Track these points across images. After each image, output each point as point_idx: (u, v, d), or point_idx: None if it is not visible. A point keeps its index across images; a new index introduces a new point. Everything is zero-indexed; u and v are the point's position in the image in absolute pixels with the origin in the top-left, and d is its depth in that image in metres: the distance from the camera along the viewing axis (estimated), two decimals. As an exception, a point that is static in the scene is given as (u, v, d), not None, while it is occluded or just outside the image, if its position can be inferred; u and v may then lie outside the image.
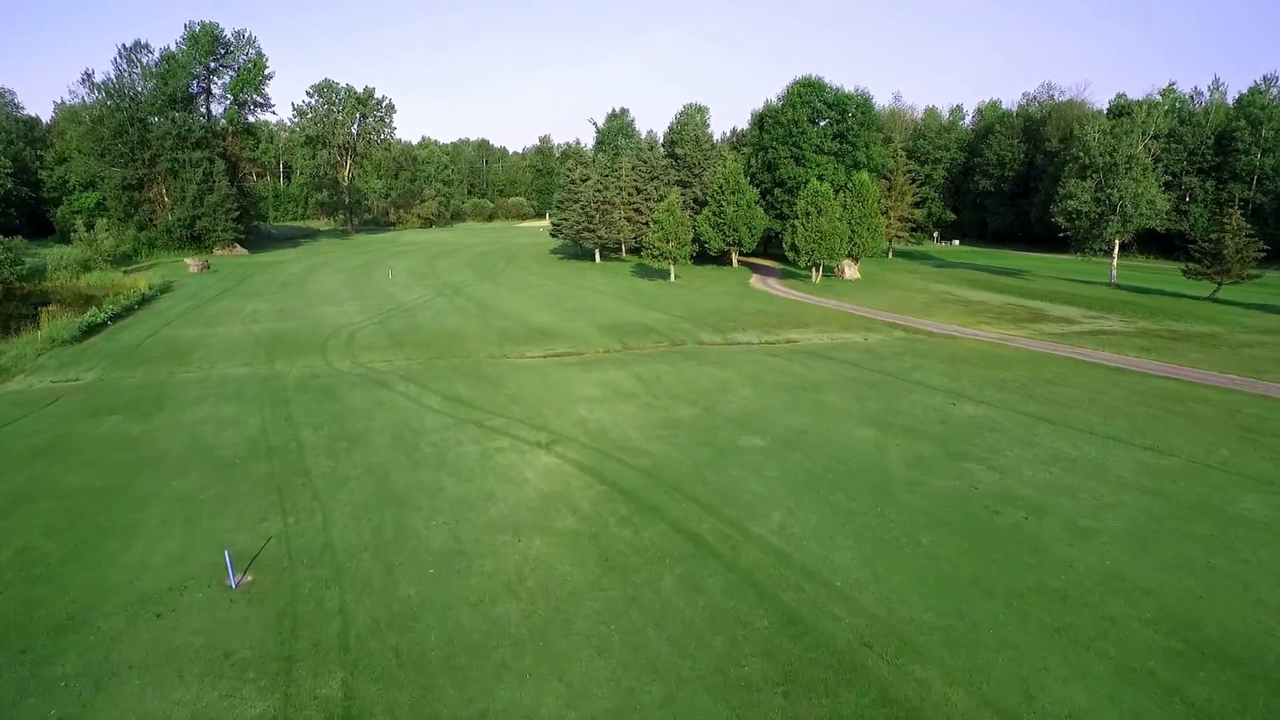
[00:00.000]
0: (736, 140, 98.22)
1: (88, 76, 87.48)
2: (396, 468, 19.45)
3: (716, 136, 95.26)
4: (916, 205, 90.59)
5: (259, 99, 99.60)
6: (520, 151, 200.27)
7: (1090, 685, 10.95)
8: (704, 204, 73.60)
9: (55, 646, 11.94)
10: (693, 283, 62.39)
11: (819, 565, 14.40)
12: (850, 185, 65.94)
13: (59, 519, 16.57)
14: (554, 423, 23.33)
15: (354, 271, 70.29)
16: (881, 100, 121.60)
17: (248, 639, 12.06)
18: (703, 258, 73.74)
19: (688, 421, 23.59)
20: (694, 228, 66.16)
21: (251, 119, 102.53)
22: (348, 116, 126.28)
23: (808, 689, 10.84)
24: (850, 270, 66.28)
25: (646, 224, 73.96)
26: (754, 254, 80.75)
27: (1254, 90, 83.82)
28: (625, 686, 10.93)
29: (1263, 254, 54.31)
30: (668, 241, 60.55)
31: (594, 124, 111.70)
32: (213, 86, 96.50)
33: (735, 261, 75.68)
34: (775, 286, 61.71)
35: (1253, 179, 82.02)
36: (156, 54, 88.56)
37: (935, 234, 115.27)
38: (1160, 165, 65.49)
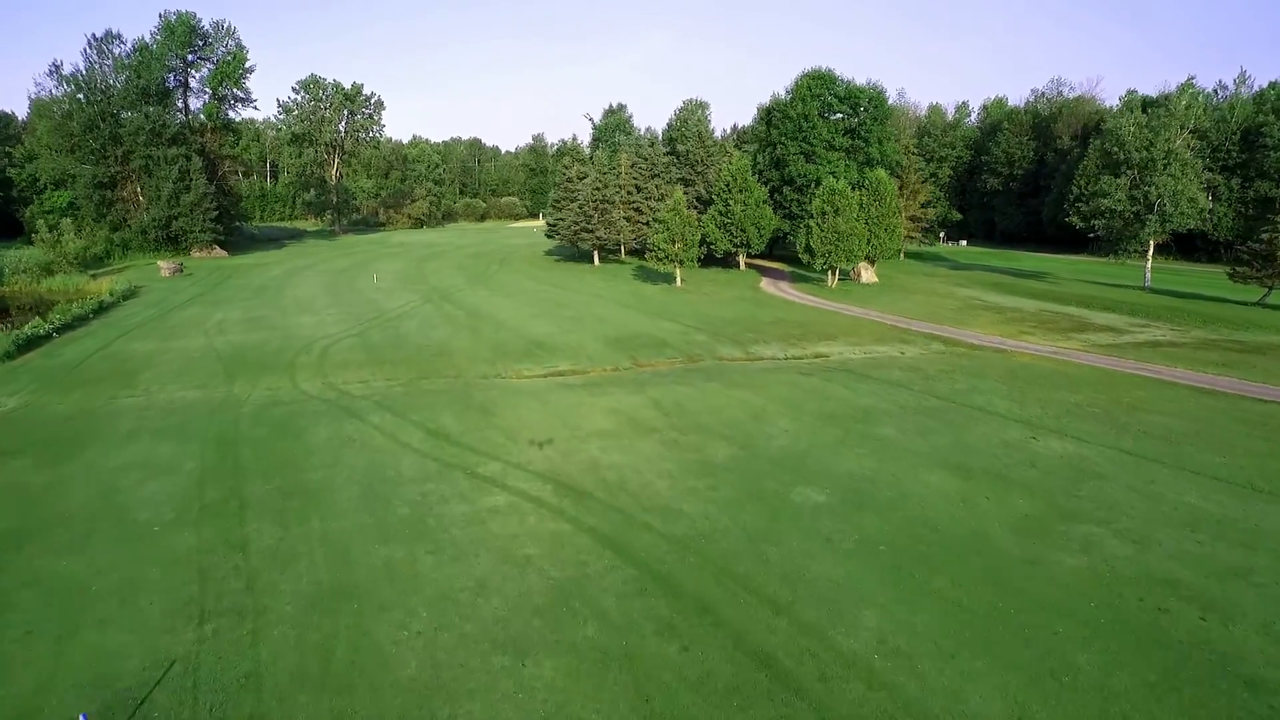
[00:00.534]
0: (738, 137, 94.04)
1: (56, 68, 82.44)
2: (361, 538, 15.09)
3: (716, 134, 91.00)
4: (925, 205, 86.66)
5: (239, 93, 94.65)
6: (513, 151, 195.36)
7: None
8: (708, 203, 69.41)
9: None
10: (700, 287, 58.10)
11: (950, 711, 10.13)
12: (866, 183, 61.79)
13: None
14: (561, 468, 19.01)
15: (337, 276, 65.68)
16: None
17: None
18: (708, 260, 69.43)
19: (724, 465, 19.30)
20: (700, 228, 61.91)
21: (232, 114, 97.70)
22: (335, 113, 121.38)
23: None
24: (867, 273, 62.10)
25: (647, 224, 69.73)
26: (760, 256, 76.41)
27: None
28: None
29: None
30: (674, 243, 56.25)
31: (590, 119, 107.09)
32: (190, 80, 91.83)
33: (743, 264, 71.43)
34: (789, 291, 57.50)
35: (1282, 176, 78.23)
36: (129, 45, 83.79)
37: (941, 234, 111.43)
38: (1200, 160, 61.35)
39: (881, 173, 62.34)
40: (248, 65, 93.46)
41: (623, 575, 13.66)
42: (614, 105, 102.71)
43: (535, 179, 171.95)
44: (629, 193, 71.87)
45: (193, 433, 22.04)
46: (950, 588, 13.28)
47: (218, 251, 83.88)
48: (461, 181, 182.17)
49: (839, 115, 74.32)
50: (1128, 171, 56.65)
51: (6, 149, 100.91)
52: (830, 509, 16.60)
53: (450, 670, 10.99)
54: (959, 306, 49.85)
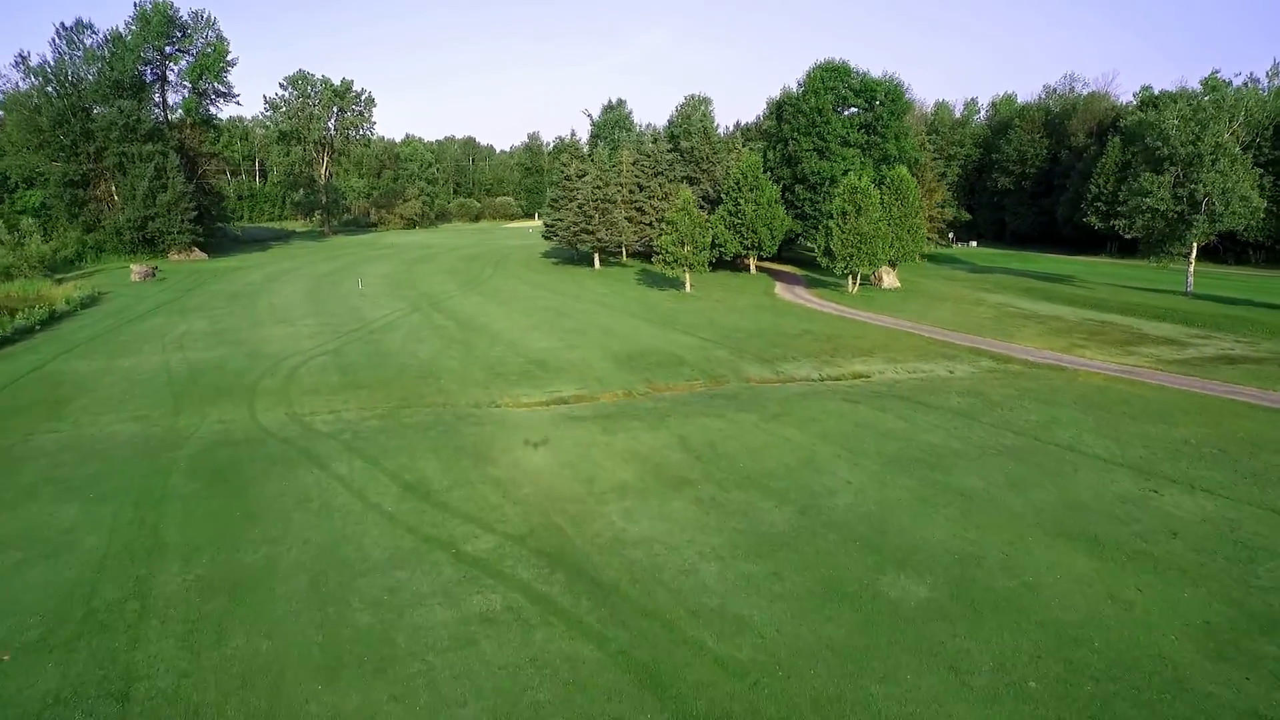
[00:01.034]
0: (743, 134, 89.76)
1: (22, 59, 77.92)
2: (299, 672, 10.74)
3: (720, 130, 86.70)
4: (941, 205, 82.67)
5: (221, 88, 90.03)
6: (508, 150, 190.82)
7: None
8: (715, 202, 65.16)
9: None
10: (711, 293, 53.84)
11: None
12: (887, 180, 57.64)
13: None
14: (572, 544, 14.71)
15: (320, 280, 61.15)
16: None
17: None
18: (716, 263, 65.10)
19: (783, 538, 15.01)
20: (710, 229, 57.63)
21: (213, 109, 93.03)
22: (324, 110, 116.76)
23: None
24: (889, 278, 57.92)
25: (650, 225, 65.46)
26: (770, 258, 72.04)
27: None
28: None
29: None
30: (683, 246, 51.99)
31: (588, 115, 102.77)
32: (168, 73, 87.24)
33: (753, 268, 67.20)
34: (806, 297, 53.27)
35: (1318, 173, 74.22)
36: (102, 35, 79.17)
37: (951, 235, 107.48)
38: (1248, 155, 57.05)
39: (903, 170, 58.29)
40: (229, 58, 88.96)
41: (673, 744, 9.38)
42: (613, 101, 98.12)
43: (531, 178, 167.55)
44: (631, 191, 67.59)
45: (109, 488, 17.61)
46: (1155, 763, 9.05)
47: (197, 254, 79.35)
48: (455, 181, 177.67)
49: (854, 109, 70.14)
50: (1171, 168, 52.61)
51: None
52: (939, 610, 12.33)
53: None
54: (995, 315, 45.68)
